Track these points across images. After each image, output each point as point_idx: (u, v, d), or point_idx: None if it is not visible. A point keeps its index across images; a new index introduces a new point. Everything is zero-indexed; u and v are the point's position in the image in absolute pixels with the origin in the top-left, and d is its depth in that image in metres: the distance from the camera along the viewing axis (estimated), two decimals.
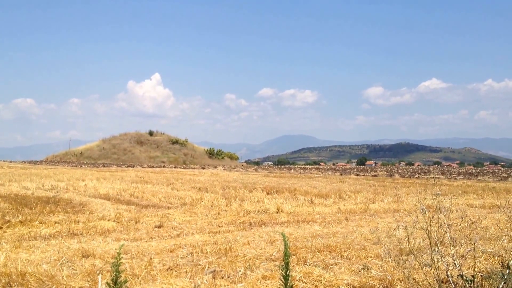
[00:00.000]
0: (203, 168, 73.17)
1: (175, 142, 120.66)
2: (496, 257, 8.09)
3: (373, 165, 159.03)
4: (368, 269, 7.33)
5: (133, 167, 71.97)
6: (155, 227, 12.94)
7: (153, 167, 74.23)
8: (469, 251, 5.29)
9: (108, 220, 13.95)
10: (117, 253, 3.35)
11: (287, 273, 3.73)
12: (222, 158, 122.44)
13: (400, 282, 6.44)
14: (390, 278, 6.66)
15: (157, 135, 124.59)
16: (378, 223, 13.68)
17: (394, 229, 8.49)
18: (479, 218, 14.27)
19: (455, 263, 5.22)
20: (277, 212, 16.25)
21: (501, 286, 4.95)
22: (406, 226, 6.12)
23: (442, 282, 5.17)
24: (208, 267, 7.56)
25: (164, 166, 79.34)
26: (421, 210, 5.35)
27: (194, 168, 75.33)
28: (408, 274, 6.00)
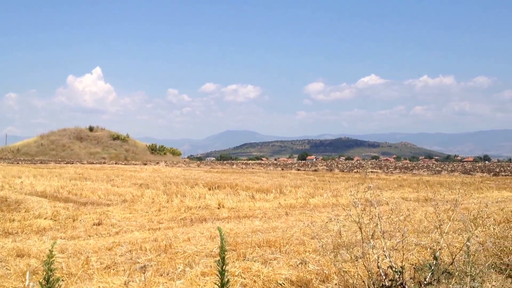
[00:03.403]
0: (145, 164, 72.40)
1: (116, 138, 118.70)
2: (428, 249, 8.38)
3: (314, 160, 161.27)
4: (305, 264, 7.48)
5: (72, 163, 70.39)
6: (94, 224, 12.77)
7: (93, 163, 72.83)
8: (398, 242, 5.49)
9: (44, 218, 13.65)
10: (49, 251, 3.33)
11: (223, 268, 3.78)
12: (165, 154, 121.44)
13: (336, 275, 6.62)
14: (326, 272, 6.83)
15: (98, 131, 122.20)
16: (317, 217, 13.93)
17: (327, 222, 8.71)
18: (414, 210, 14.79)
19: (385, 255, 5.40)
20: (218, 208, 16.31)
21: (428, 276, 5.16)
22: (338, 220, 6.30)
23: (374, 274, 5.35)
24: (146, 264, 7.54)
25: (104, 163, 77.96)
26: (354, 204, 5.51)
27: (135, 164, 74.43)
28: (340, 267, 6.17)
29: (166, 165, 68.34)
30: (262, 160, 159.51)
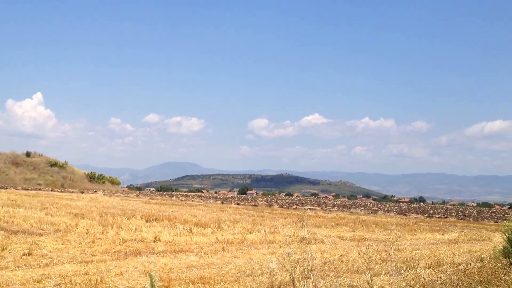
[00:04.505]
0: (82, 193, 70.70)
1: (54, 164, 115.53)
2: None
3: (254, 194, 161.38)
4: None
5: (6, 189, 67.95)
6: (24, 254, 12.35)
7: (28, 189, 70.55)
8: (331, 283, 5.58)
9: None
10: None
11: None
12: (103, 182, 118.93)
13: None
14: None
15: (35, 157, 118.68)
16: (253, 254, 13.93)
17: (262, 260, 8.74)
18: (349, 249, 14.99)
19: None
20: (154, 241, 16.08)
21: None
22: (269, 265, 6.34)
23: None
24: None
25: (40, 189, 75.63)
26: (288, 254, 5.57)
27: (72, 192, 72.57)
28: None
29: (104, 194, 66.96)
30: (202, 192, 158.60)
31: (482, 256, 12.61)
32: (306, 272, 5.60)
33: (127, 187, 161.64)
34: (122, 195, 71.65)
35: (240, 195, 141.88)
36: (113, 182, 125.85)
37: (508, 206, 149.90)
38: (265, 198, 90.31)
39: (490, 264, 6.07)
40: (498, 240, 17.64)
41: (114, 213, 26.03)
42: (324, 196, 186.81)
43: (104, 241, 15.51)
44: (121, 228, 19.33)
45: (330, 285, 5.59)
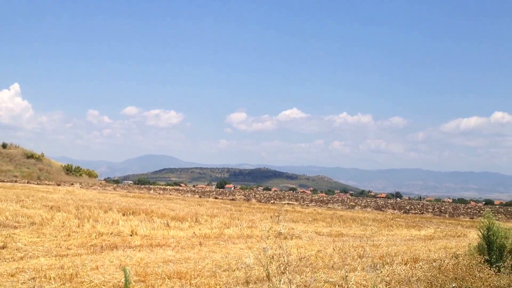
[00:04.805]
0: (59, 185, 70.02)
1: (30, 156, 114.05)
2: (337, 286, 8.54)
3: (233, 188, 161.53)
4: None
5: None
6: None
7: (3, 181, 69.63)
8: (307, 279, 5.59)
9: None
10: None
11: None
12: (80, 175, 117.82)
13: None
14: None
15: (11, 148, 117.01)
16: (231, 249, 13.93)
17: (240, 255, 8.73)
18: (325, 245, 15.07)
19: None
20: (131, 235, 15.98)
21: None
22: (246, 260, 6.34)
23: None
24: None
25: (16, 181, 74.70)
26: (263, 250, 5.57)
27: (48, 184, 71.83)
28: None
29: (81, 187, 66.41)
30: (180, 186, 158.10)
31: (457, 252, 12.77)
32: (282, 268, 5.59)
33: (105, 180, 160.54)
34: (99, 188, 71.16)
35: (218, 189, 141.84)
36: (90, 174, 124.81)
37: (483, 203, 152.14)
38: (243, 192, 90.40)
39: (465, 261, 6.15)
40: (473, 236, 17.88)
41: (91, 206, 25.78)
42: (302, 191, 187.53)
43: (80, 234, 15.36)
44: (98, 221, 19.15)
45: (306, 281, 5.60)
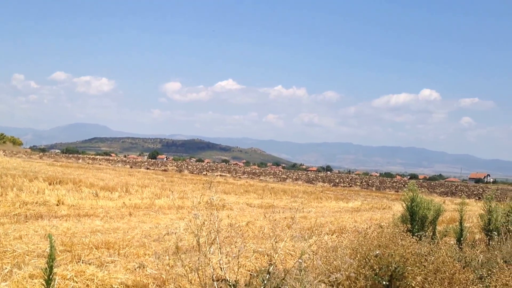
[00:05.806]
0: None
1: None
2: (266, 256, 8.60)
3: (165, 159, 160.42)
4: (143, 267, 7.34)
5: None
6: None
7: None
8: (237, 249, 5.57)
9: None
10: None
11: (50, 277, 3.57)
12: (4, 142, 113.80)
13: (173, 281, 6.56)
14: (164, 277, 6.75)
15: None
16: (161, 219, 13.82)
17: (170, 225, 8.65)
18: (256, 216, 15.20)
19: (221, 268, 5.47)
20: (57, 205, 15.54)
21: (265, 283, 5.30)
22: (176, 231, 6.26)
23: (209, 284, 5.39)
24: None
25: None
26: (194, 216, 5.50)
27: None
28: (175, 277, 6.19)
29: (4, 155, 64.04)
30: (111, 156, 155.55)
31: (382, 223, 13.17)
32: (212, 235, 5.56)
33: (30, 148, 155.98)
34: (24, 156, 69.02)
35: (150, 159, 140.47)
36: (15, 142, 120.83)
37: (408, 177, 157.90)
38: (175, 163, 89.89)
39: (389, 230, 6.33)
40: (398, 209, 18.52)
41: (15, 174, 24.82)
42: (234, 163, 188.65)
43: (3, 203, 14.77)
44: (22, 190, 18.46)
45: (236, 250, 5.59)
